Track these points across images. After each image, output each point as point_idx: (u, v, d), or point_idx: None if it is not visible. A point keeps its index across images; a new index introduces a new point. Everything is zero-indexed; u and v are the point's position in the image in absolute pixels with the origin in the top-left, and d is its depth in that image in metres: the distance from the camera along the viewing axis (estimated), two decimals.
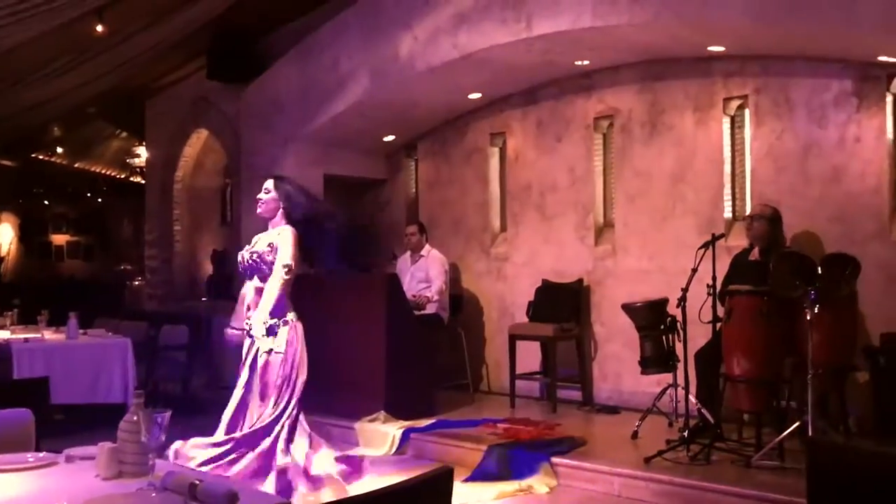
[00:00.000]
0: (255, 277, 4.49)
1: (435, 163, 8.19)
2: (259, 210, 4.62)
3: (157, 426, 2.21)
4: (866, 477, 1.80)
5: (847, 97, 5.58)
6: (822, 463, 1.85)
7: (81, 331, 6.74)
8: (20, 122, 10.30)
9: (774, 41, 5.54)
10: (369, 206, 8.76)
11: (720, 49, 5.91)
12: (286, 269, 4.38)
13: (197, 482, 2.07)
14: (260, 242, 4.54)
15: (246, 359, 4.49)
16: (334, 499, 3.98)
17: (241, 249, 4.74)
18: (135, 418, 2.30)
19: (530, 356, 6.83)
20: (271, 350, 4.38)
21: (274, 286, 4.37)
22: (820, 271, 4.51)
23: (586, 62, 6.60)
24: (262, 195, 4.61)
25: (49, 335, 6.68)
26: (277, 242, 4.44)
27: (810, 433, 4.42)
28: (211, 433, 4.53)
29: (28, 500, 2.10)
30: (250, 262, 4.47)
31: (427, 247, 7.32)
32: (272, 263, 4.40)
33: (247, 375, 4.46)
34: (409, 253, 7.39)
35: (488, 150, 7.77)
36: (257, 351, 4.43)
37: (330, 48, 7.42)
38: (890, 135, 5.45)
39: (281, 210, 4.55)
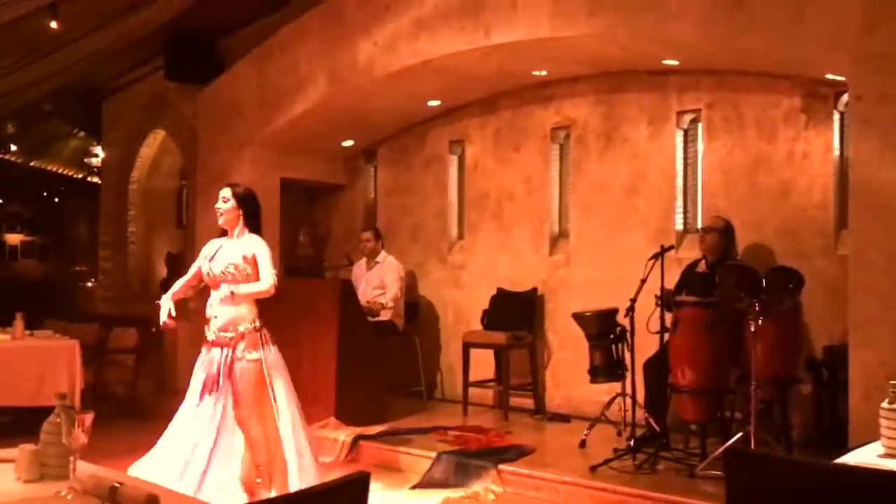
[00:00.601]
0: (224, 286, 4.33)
1: (394, 169, 8.18)
2: (221, 220, 4.46)
3: (81, 428, 2.17)
4: (784, 485, 1.82)
5: (796, 114, 5.68)
6: (740, 472, 1.87)
7: (28, 332, 6.60)
8: None
9: (727, 56, 5.63)
10: (327, 211, 8.72)
11: (675, 63, 5.99)
12: (274, 281, 4.27)
13: (117, 485, 2.03)
14: (230, 254, 4.34)
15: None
16: None
17: (196, 253, 4.60)
18: (58, 420, 2.26)
19: (484, 364, 6.83)
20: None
21: (263, 287, 4.27)
22: (764, 284, 4.57)
23: (544, 72, 6.65)
24: (220, 204, 4.44)
25: None
26: (255, 254, 4.29)
27: (753, 444, 4.47)
28: (155, 438, 4.42)
29: None
30: (223, 274, 4.28)
31: (383, 253, 7.30)
32: (249, 275, 4.26)
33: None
34: (364, 259, 7.36)
35: (447, 157, 7.78)
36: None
37: (289, 51, 7.39)
38: (836, 151, 5.56)
39: (242, 218, 4.42)
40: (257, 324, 4.26)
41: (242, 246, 4.30)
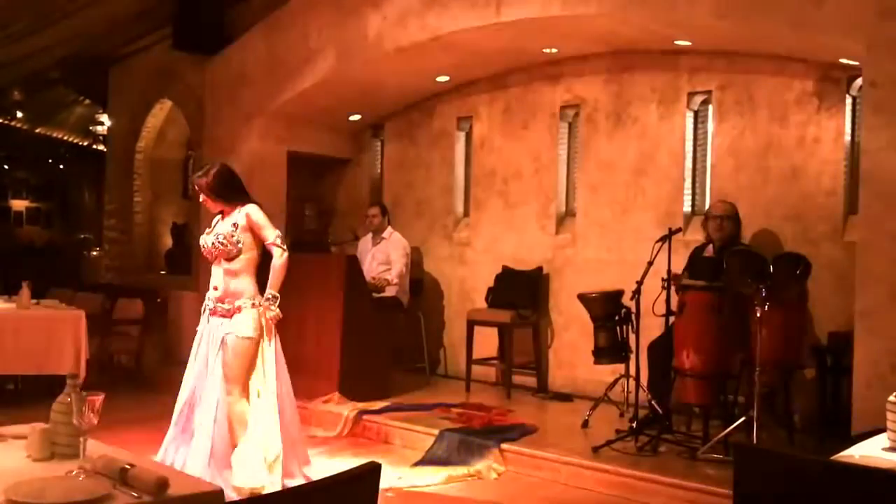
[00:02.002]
0: (222, 260, 4.35)
1: (401, 144, 8.14)
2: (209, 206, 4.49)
3: (91, 408, 2.18)
4: (791, 481, 1.83)
5: (808, 97, 5.63)
6: (748, 467, 1.87)
7: (34, 301, 6.62)
8: None
9: (740, 38, 5.57)
10: (332, 185, 8.70)
11: (687, 43, 5.93)
12: (282, 240, 4.31)
13: (127, 466, 2.05)
14: (222, 225, 4.38)
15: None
16: None
17: (202, 224, 4.63)
18: (68, 400, 2.27)
19: (488, 342, 6.85)
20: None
21: (280, 262, 4.30)
22: (771, 270, 4.57)
23: (554, 50, 6.59)
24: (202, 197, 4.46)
25: (0, 304, 6.55)
26: (248, 221, 4.31)
27: (756, 428, 4.49)
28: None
29: None
30: (216, 245, 4.31)
31: (389, 229, 7.29)
32: (238, 243, 4.28)
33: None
34: (370, 235, 7.36)
35: (455, 133, 7.74)
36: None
37: (299, 23, 7.32)
38: (848, 137, 5.52)
39: (221, 200, 4.41)
40: (256, 301, 4.27)
41: (234, 216, 4.32)
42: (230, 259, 4.28)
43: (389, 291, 6.88)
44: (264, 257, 4.37)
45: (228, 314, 4.26)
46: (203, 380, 4.30)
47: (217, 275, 4.34)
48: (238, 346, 4.20)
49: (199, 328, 4.41)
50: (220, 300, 4.29)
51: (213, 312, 4.33)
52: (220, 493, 1.96)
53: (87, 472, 2.11)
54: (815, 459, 1.93)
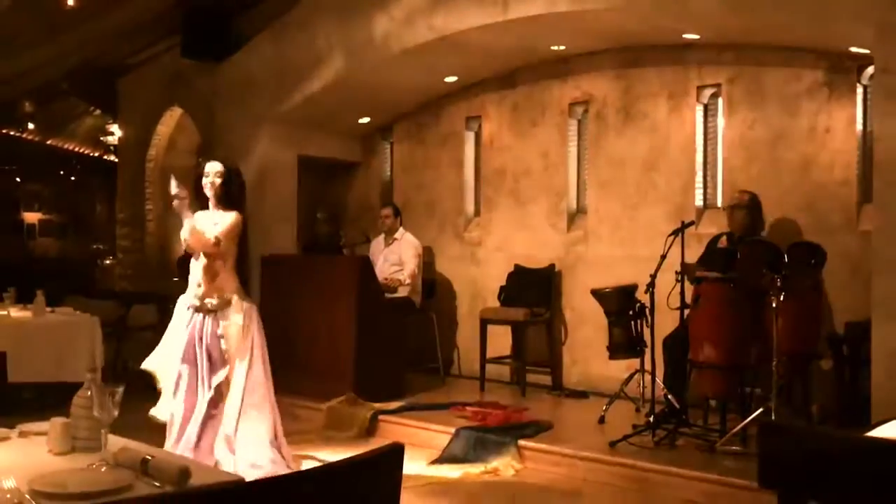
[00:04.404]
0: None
1: (410, 146, 8.15)
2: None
3: (111, 401, 2.18)
4: (816, 458, 1.82)
5: (819, 87, 5.61)
6: (773, 444, 1.86)
7: (49, 309, 6.64)
8: None
9: (749, 29, 5.55)
10: (343, 188, 8.71)
11: (695, 37, 5.92)
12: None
13: (149, 458, 2.05)
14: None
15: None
16: None
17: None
18: (88, 393, 2.27)
19: (501, 340, 6.84)
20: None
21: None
22: (786, 259, 4.54)
23: (562, 47, 6.59)
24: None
25: (15, 312, 6.57)
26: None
27: (773, 420, 4.46)
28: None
29: None
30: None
31: (401, 230, 7.29)
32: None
33: None
34: (382, 236, 7.36)
35: (464, 133, 7.74)
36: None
37: (306, 27, 7.35)
38: (860, 126, 5.49)
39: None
40: (239, 296, 4.36)
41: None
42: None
43: (402, 292, 6.87)
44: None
45: (216, 309, 4.36)
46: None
47: (197, 270, 4.43)
48: (233, 329, 4.36)
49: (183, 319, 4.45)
50: (208, 296, 4.38)
51: (198, 309, 4.39)
52: (242, 481, 1.96)
53: (108, 464, 2.11)
54: (842, 436, 1.91)
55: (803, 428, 2.08)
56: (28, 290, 6.92)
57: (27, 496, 1.85)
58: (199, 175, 4.52)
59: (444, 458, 5.07)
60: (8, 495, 1.85)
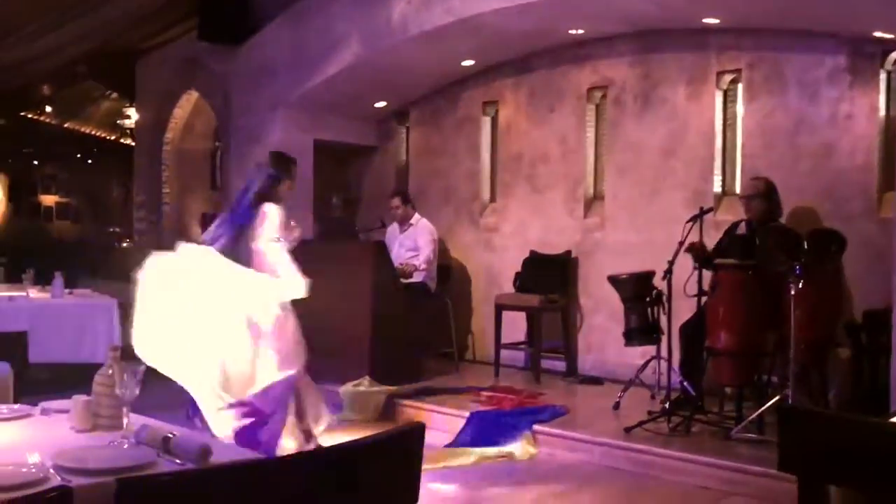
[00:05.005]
0: None
1: (426, 131, 8.14)
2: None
3: (133, 380, 2.20)
4: (836, 443, 1.81)
5: (840, 73, 5.55)
6: (793, 429, 1.85)
7: (67, 290, 6.70)
8: (7, 80, 10.16)
9: (769, 14, 5.50)
10: (358, 173, 8.72)
11: (715, 21, 5.86)
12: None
13: (170, 435, 2.07)
14: None
15: None
16: None
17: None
18: (110, 371, 2.30)
19: (516, 326, 6.84)
20: None
21: None
22: (806, 246, 4.51)
23: (580, 31, 6.55)
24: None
25: (34, 294, 6.64)
26: None
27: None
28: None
29: (1, 451, 2.08)
30: None
31: (416, 216, 7.29)
32: None
33: None
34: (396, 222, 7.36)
35: (480, 119, 7.72)
36: None
37: (322, 10, 7.33)
38: (882, 112, 5.43)
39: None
40: None
41: None
42: None
43: (417, 277, 6.88)
44: None
45: None
46: None
47: None
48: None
49: None
50: None
51: None
52: (261, 459, 1.97)
53: (130, 442, 2.13)
54: (864, 421, 1.91)
55: (824, 413, 2.08)
56: (46, 271, 6.99)
57: (51, 471, 1.87)
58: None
59: (459, 442, 5.09)
60: (33, 469, 1.87)
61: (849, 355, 5.15)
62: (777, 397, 4.61)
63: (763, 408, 4.66)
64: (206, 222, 9.61)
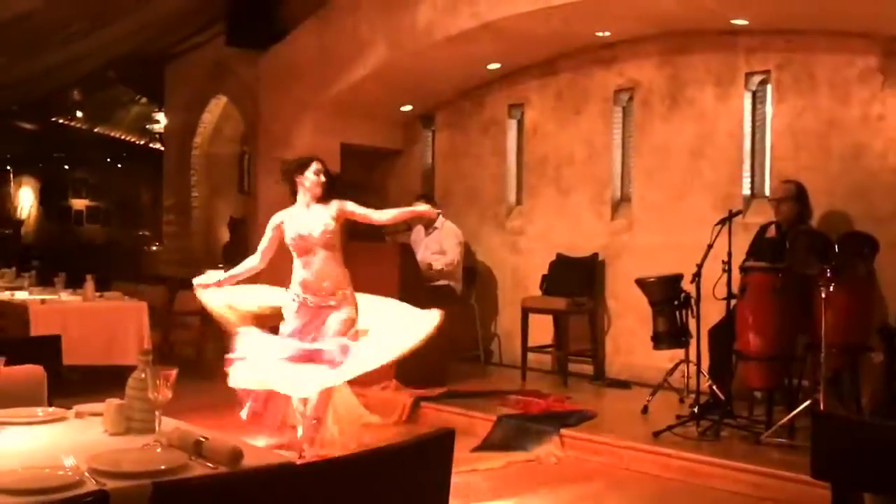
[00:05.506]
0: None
1: (452, 134, 8.15)
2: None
3: (165, 383, 2.23)
4: (870, 450, 1.79)
5: (871, 74, 5.48)
6: (827, 436, 1.83)
7: (98, 293, 6.80)
8: (39, 85, 10.33)
9: (799, 14, 5.44)
10: (384, 176, 8.75)
11: (743, 22, 5.81)
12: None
13: (202, 439, 2.09)
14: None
15: None
16: None
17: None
18: (142, 375, 2.33)
19: (543, 329, 6.82)
20: None
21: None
22: (837, 249, 4.46)
23: (607, 33, 6.52)
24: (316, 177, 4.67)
25: (66, 297, 6.74)
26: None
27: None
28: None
29: (36, 453, 2.12)
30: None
31: (441, 218, 7.29)
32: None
33: None
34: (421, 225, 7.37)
35: (506, 121, 7.72)
36: None
37: (349, 15, 7.38)
38: None
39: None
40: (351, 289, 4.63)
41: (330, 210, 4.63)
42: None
43: (443, 280, 6.88)
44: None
45: (337, 306, 4.54)
46: None
47: (319, 267, 4.57)
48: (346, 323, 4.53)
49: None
50: (332, 293, 4.55)
51: (320, 308, 4.54)
52: (293, 463, 1.99)
53: (162, 445, 2.15)
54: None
55: (858, 418, 2.05)
56: (77, 275, 7.10)
57: (86, 474, 1.90)
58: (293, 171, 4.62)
59: (486, 446, 5.08)
60: (69, 473, 1.90)
61: (882, 360, 5.07)
62: (808, 402, 4.56)
63: (794, 412, 4.61)
64: (233, 226, 9.73)
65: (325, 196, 4.64)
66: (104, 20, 7.88)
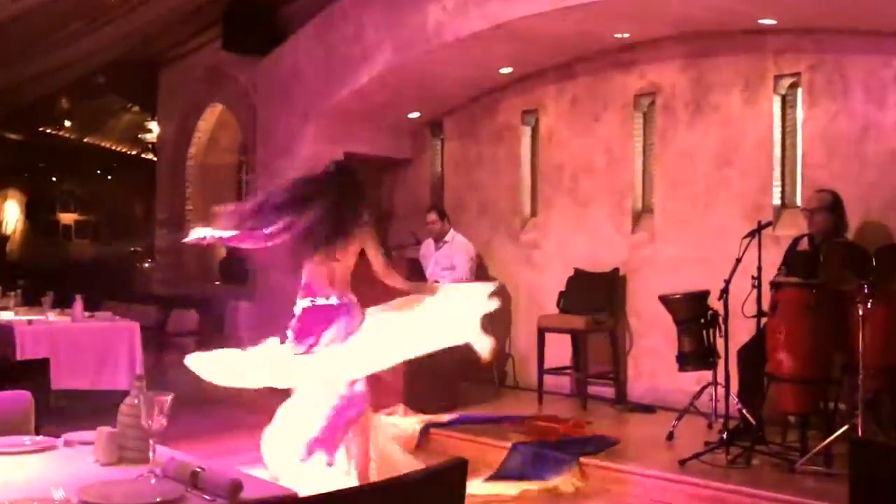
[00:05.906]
0: None
1: (462, 142, 8.18)
2: None
3: (159, 410, 2.23)
4: None
5: None
6: (867, 464, 1.83)
7: (87, 313, 6.83)
8: (26, 93, 10.43)
9: (830, 13, 5.45)
10: (391, 187, 8.78)
11: (772, 22, 5.83)
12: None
13: (199, 470, 2.10)
14: None
15: None
16: None
17: None
18: (136, 401, 2.34)
19: (560, 350, 6.81)
20: None
21: None
22: (874, 263, 4.44)
23: (626, 35, 6.55)
24: None
25: (53, 317, 6.78)
26: None
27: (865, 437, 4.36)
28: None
29: (23, 485, 2.13)
30: None
31: (451, 232, 7.31)
32: None
33: None
34: (431, 239, 7.39)
35: (520, 128, 7.74)
36: None
37: (353, 17, 7.43)
38: None
39: None
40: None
41: None
42: None
43: None
44: None
45: None
46: None
47: None
48: None
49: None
50: None
51: None
52: (295, 496, 1.99)
53: (157, 476, 2.16)
54: None
55: None
56: (65, 294, 7.13)
57: None
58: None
59: (500, 475, 5.07)
60: None
61: None
62: (845, 427, 4.54)
63: (830, 438, 4.58)
64: None
65: None
66: (97, 23, 7.96)
